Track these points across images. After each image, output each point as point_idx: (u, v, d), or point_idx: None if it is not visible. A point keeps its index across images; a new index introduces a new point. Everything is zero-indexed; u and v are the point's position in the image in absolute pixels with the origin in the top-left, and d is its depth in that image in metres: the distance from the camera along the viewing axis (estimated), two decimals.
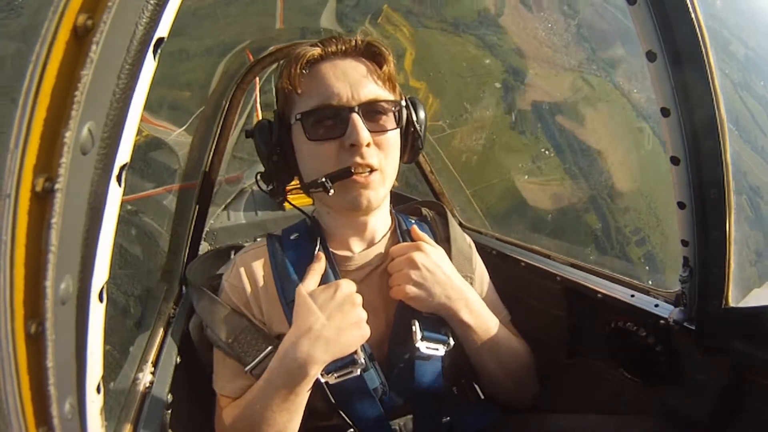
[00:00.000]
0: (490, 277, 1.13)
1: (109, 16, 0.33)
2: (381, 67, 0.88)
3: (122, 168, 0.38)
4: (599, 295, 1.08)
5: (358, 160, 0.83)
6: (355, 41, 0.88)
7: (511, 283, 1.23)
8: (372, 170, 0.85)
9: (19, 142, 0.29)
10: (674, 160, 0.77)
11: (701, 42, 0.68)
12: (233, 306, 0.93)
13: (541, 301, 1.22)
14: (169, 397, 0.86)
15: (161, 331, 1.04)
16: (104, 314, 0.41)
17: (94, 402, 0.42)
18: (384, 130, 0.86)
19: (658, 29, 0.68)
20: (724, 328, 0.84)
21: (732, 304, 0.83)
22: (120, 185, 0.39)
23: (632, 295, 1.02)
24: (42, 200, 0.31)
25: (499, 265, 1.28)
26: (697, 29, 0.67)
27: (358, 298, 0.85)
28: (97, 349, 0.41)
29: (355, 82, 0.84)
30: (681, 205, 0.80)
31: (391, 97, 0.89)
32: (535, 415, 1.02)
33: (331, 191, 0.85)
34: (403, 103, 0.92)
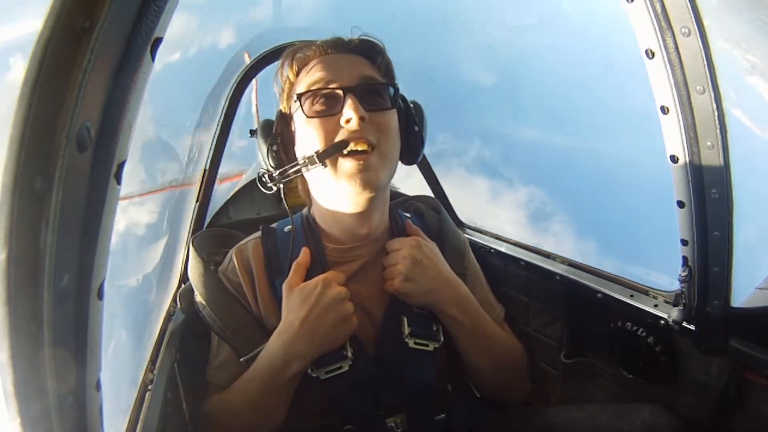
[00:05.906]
0: (490, 276, 1.13)
1: (106, 16, 0.33)
2: (375, 62, 0.93)
3: (120, 165, 0.38)
4: (599, 295, 1.07)
5: (355, 133, 0.83)
6: (350, 39, 0.93)
7: (511, 282, 1.23)
8: (369, 150, 0.84)
9: (15, 139, 0.29)
10: (673, 159, 0.77)
11: (702, 39, 0.67)
12: (238, 296, 0.94)
13: (540, 301, 1.22)
14: (169, 395, 0.86)
15: (160, 329, 1.04)
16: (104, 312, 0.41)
17: (94, 399, 0.42)
18: (379, 108, 0.88)
19: (657, 27, 0.67)
20: (724, 328, 0.84)
21: (732, 304, 0.82)
22: (119, 183, 0.39)
23: (631, 295, 1.02)
24: (39, 198, 0.31)
25: (498, 264, 1.28)
26: (698, 27, 0.67)
27: (344, 292, 0.85)
28: (97, 346, 0.41)
29: (349, 69, 0.88)
30: (680, 204, 0.80)
31: (384, 81, 0.92)
32: (533, 409, 1.02)
33: (326, 166, 0.84)
34: (399, 88, 0.94)
